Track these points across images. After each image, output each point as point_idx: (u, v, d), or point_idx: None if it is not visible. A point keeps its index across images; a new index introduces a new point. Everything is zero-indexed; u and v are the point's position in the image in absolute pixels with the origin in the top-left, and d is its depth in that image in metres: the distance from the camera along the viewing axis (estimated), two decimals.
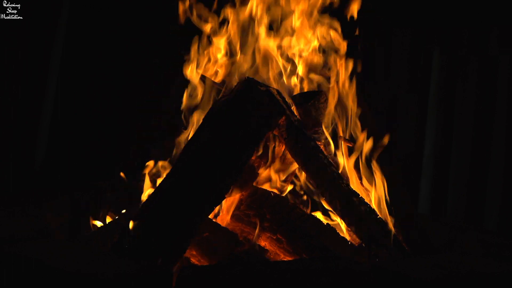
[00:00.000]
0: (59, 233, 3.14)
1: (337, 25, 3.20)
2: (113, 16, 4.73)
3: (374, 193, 2.93)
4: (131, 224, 2.53)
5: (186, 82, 3.19)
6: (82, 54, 4.77)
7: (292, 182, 3.11)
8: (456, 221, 4.18)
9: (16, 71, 4.54)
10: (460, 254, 2.91)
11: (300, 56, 3.14)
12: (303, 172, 2.97)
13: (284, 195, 3.00)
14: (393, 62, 4.77)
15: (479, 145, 4.57)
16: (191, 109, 3.12)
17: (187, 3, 3.20)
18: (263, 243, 2.81)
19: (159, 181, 2.93)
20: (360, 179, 2.96)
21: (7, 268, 2.32)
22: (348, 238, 2.83)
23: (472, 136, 4.59)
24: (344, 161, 2.98)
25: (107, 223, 3.05)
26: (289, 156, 2.89)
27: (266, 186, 2.99)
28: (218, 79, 3.15)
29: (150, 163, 3.17)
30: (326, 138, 2.98)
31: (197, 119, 3.06)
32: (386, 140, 2.98)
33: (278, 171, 2.95)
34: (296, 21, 3.16)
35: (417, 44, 4.74)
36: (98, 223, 3.12)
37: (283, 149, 2.89)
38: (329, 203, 2.76)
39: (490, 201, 4.47)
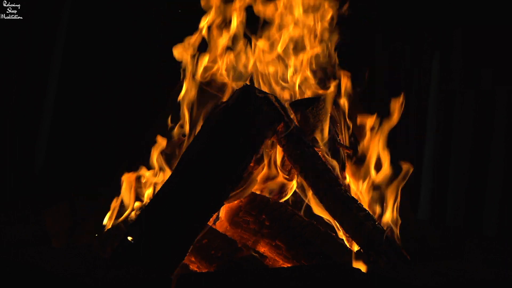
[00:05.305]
0: (59, 238, 3.14)
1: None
2: (114, 17, 4.72)
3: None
4: (130, 231, 2.53)
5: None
6: (82, 55, 4.77)
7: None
8: (456, 227, 4.19)
9: (16, 71, 4.53)
10: (460, 260, 2.91)
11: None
12: None
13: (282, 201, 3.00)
14: (393, 67, 4.78)
15: (478, 150, 4.57)
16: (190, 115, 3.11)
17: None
18: (262, 249, 2.81)
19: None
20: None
21: (7, 274, 2.32)
22: (347, 244, 2.82)
23: (471, 141, 4.58)
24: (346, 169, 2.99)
25: (107, 228, 3.05)
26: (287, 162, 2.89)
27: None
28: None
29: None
30: (325, 144, 2.97)
31: (195, 125, 3.06)
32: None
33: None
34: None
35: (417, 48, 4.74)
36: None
37: (281, 156, 2.88)
38: (327, 209, 2.75)
39: (490, 207, 4.46)
